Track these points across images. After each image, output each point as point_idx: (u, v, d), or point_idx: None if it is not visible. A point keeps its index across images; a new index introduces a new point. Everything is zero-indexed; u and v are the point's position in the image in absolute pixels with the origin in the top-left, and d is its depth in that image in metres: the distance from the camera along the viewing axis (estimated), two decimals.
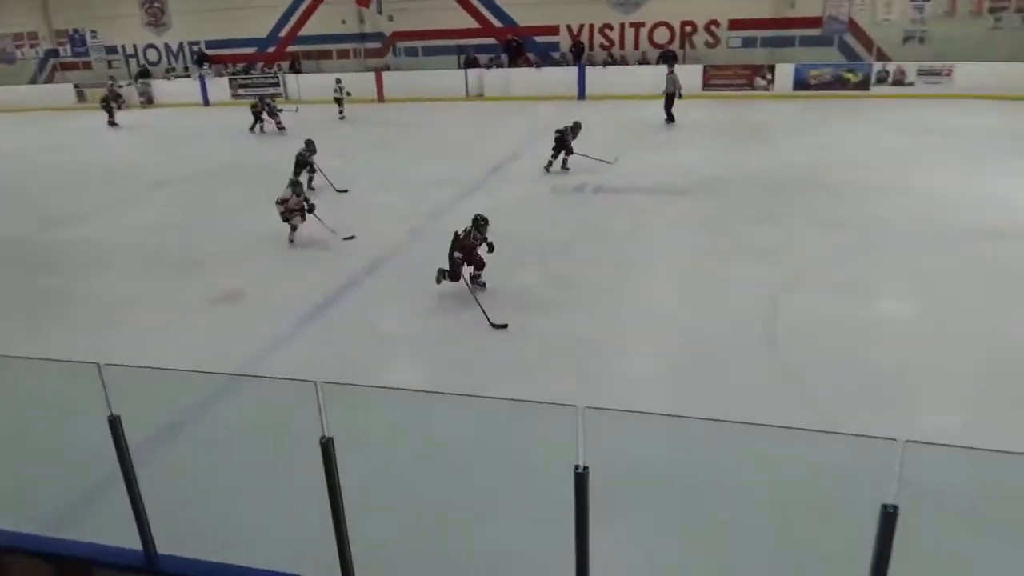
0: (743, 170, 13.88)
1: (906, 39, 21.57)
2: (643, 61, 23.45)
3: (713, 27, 22.87)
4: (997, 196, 11.68)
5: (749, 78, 21.46)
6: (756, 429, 3.01)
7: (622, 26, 23.78)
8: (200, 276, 9.86)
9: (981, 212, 10.90)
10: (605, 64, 23.49)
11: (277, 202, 10.69)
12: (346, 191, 13.60)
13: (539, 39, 24.77)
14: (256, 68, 28.12)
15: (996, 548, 4.23)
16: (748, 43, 22.56)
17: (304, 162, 13.47)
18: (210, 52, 28.76)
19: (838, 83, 20.87)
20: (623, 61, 23.69)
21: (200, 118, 24.78)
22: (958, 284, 8.67)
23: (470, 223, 8.80)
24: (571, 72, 23.26)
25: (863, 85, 20.60)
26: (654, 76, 22.22)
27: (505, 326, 7.86)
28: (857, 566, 2.89)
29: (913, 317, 8.15)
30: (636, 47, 23.83)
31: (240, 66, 28.38)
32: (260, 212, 11.52)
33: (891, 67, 20.49)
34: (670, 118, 18.44)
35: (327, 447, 3.20)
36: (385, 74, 25.19)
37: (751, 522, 4.27)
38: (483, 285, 8.84)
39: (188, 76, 28.17)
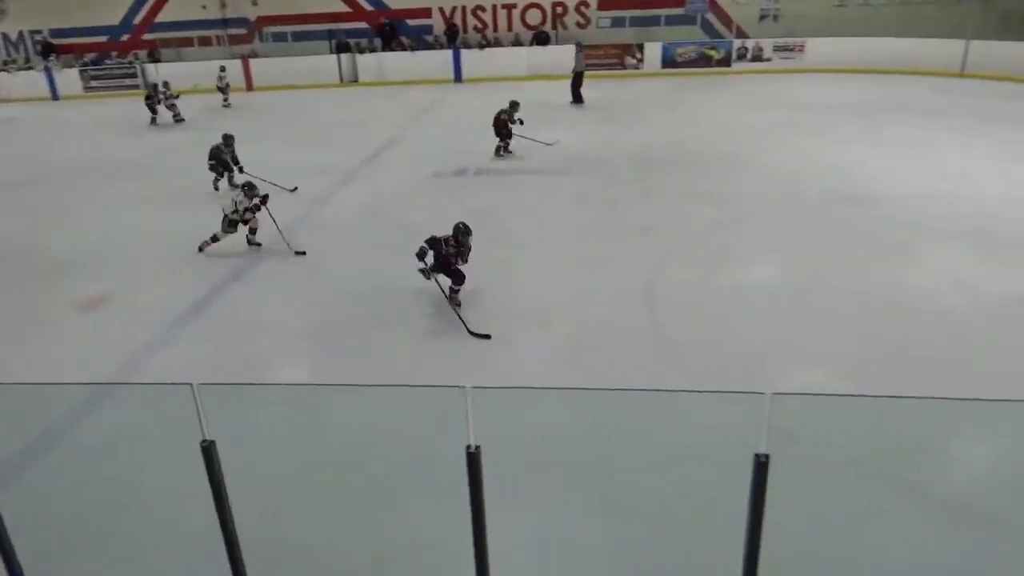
0: (619, 148, 14.28)
1: (762, 17, 22.77)
2: (517, 43, 23.62)
3: (583, 8, 23.31)
4: (852, 165, 12.57)
5: (620, 57, 22.04)
6: (638, 394, 3.13)
7: (494, 8, 23.83)
8: (64, 282, 9.18)
9: (838, 180, 11.71)
10: (481, 47, 23.49)
11: (230, 212, 9.50)
12: (295, 189, 12.28)
13: (412, 23, 24.47)
14: (111, 58, 26.29)
15: (860, 485, 4.59)
16: (617, 23, 23.15)
17: (221, 159, 12.30)
18: (56, 42, 26.64)
19: (702, 60, 21.78)
20: (497, 43, 23.78)
21: (49, 112, 22.96)
22: (819, 250, 9.30)
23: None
24: (446, 55, 23.12)
25: (725, 62, 21.60)
26: (528, 57, 22.49)
27: (488, 336, 7.29)
28: (737, 514, 3.07)
29: (780, 284, 8.66)
30: (510, 29, 23.96)
31: (91, 56, 26.45)
32: (128, 211, 10.84)
33: (750, 44, 21.58)
34: (577, 99, 18.55)
35: (208, 451, 3.07)
36: (253, 61, 24.16)
37: (638, 483, 4.44)
38: (459, 303, 7.86)
39: (31, 68, 25.99)
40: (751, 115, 16.68)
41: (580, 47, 18.86)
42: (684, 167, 12.90)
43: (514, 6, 23.69)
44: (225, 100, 21.02)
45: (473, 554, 3.17)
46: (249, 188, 9.68)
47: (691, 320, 7.57)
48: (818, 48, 20.91)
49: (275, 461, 4.81)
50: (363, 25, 24.69)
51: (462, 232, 7.81)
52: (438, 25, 24.34)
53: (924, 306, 7.72)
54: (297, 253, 9.63)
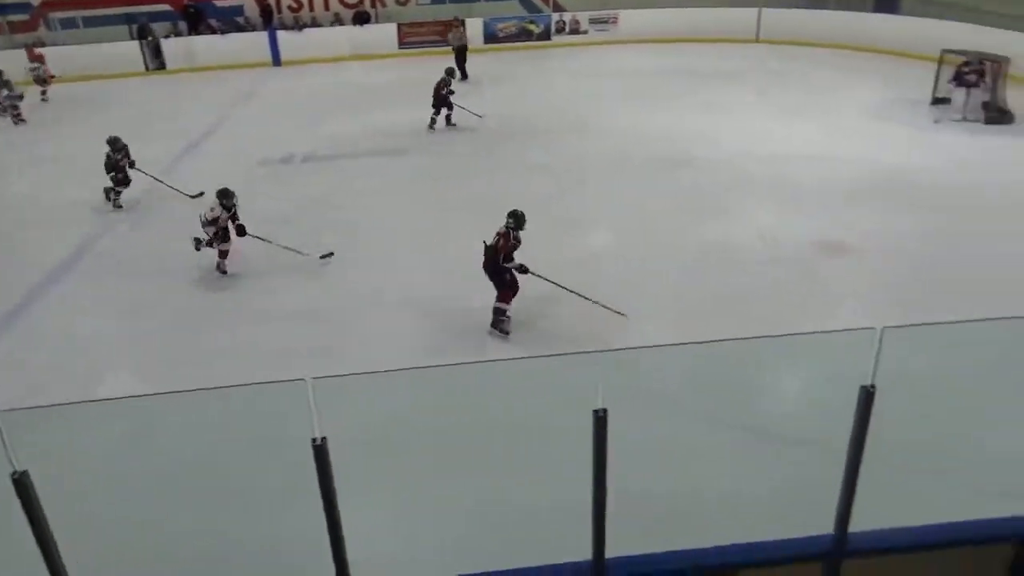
0: (448, 124, 14.29)
1: None
2: (337, 22, 22.88)
3: None
4: (670, 128, 13.36)
5: (442, 34, 21.93)
6: (475, 367, 3.20)
7: None
8: None
9: (659, 144, 12.41)
10: (301, 27, 22.55)
11: (204, 223, 8.28)
12: (201, 194, 10.69)
13: (220, 4, 22.99)
14: None
15: (688, 425, 4.97)
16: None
17: (116, 165, 10.62)
18: None
19: (524, 35, 22.16)
20: (315, 24, 22.92)
21: None
22: (647, 210, 9.86)
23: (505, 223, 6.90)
24: (261, 38, 21.98)
25: (545, 35, 22.12)
26: (350, 37, 21.87)
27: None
28: (580, 466, 3.22)
29: (616, 246, 9.12)
30: (327, 8, 23.13)
31: None
32: None
33: (567, 17, 22.20)
34: (463, 75, 18.22)
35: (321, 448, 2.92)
36: (43, 51, 21.77)
37: (482, 452, 4.54)
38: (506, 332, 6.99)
39: None
40: (575, 86, 17.24)
41: (458, 21, 18.95)
42: (517, 139, 13.17)
43: None
44: (44, 94, 18.64)
45: (329, 544, 3.14)
46: (225, 196, 8.38)
47: (530, 287, 7.78)
48: (631, 19, 21.86)
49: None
50: (165, 7, 22.92)
51: (521, 218, 7.00)
52: (250, 6, 23.04)
53: (738, 257, 8.42)
54: (323, 257, 8.67)
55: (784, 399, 5.63)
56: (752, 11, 20.94)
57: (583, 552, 3.42)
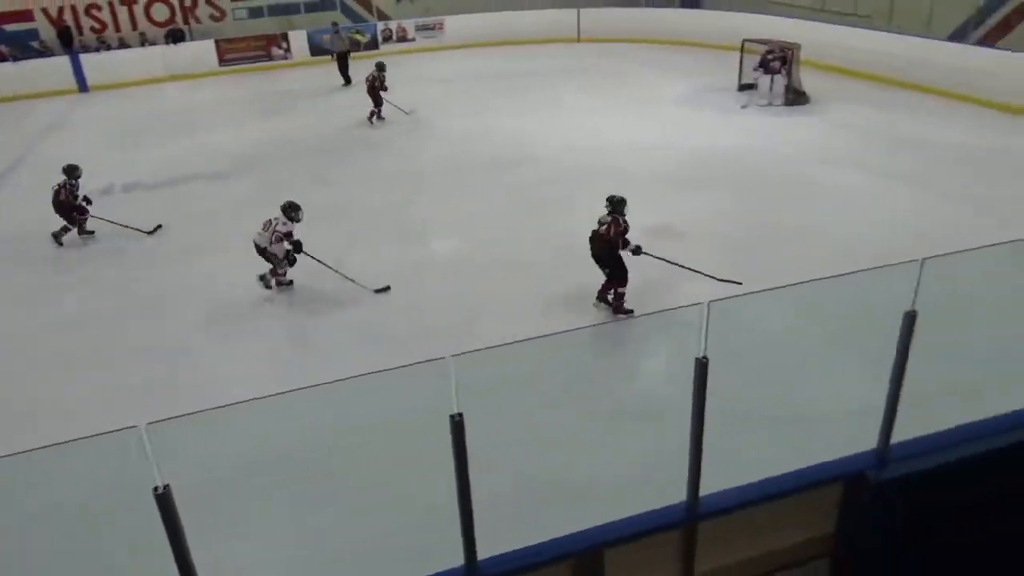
0: (283, 141, 13.84)
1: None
2: (148, 42, 21.49)
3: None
4: (504, 129, 13.63)
5: (266, 49, 21.19)
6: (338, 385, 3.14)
7: (111, 5, 21.34)
8: None
9: (495, 145, 12.63)
10: (107, 47, 20.96)
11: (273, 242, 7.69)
12: (158, 228, 10.01)
13: (9, 28, 20.97)
14: None
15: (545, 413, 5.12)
16: (255, 13, 22.12)
17: (71, 201, 9.61)
18: None
19: (352, 45, 21.79)
20: (124, 44, 21.42)
21: None
22: (491, 211, 10.02)
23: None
24: (62, 63, 20.26)
25: (373, 45, 21.88)
26: (164, 57, 20.65)
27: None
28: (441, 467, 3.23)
29: (462, 249, 9.21)
30: (134, 28, 21.67)
31: None
32: None
33: (393, 25, 22.10)
34: (347, 80, 18.41)
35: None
36: None
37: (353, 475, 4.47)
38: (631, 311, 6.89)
39: None
40: (410, 93, 17.15)
41: (335, 28, 18.93)
42: (355, 151, 12.96)
43: (135, 2, 21.45)
44: None
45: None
46: (292, 210, 7.92)
47: (394, 294, 7.74)
48: (456, 25, 22.11)
49: None
50: None
51: (619, 202, 7.11)
52: (45, 28, 21.17)
53: (579, 250, 8.74)
54: (378, 291, 7.99)
55: (631, 378, 5.93)
56: (572, 12, 21.79)
57: (455, 558, 3.44)
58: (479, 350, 3.24)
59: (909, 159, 11.06)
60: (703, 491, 3.77)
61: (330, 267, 8.13)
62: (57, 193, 9.58)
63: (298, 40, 21.33)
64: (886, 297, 3.96)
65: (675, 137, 12.73)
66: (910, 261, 3.59)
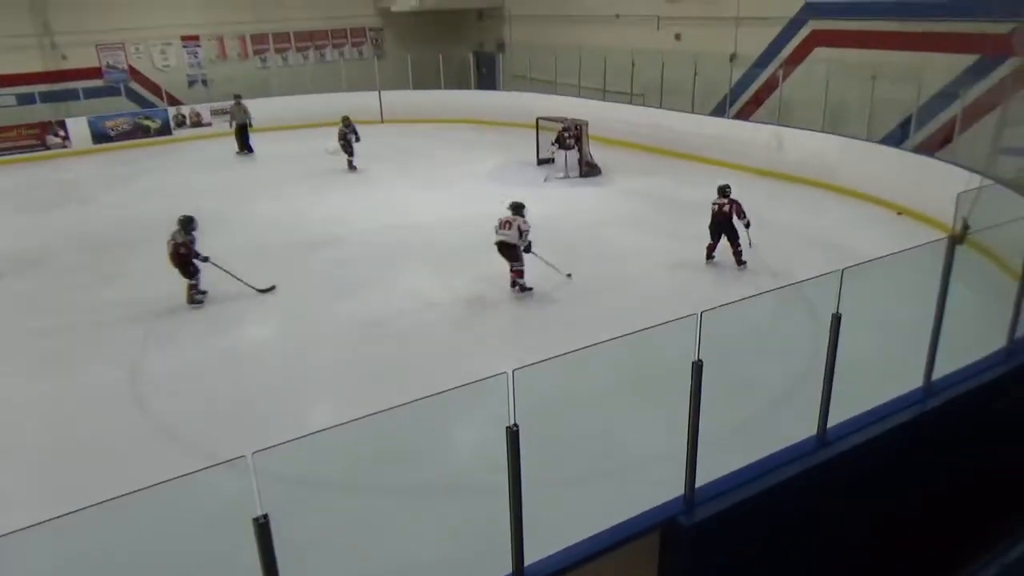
0: (61, 235, 12.68)
1: (191, 83, 22.66)
2: None
3: None
4: (310, 211, 13.41)
5: (39, 137, 19.52)
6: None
7: None
8: None
9: (300, 227, 12.38)
10: None
11: None
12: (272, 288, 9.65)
13: None
14: None
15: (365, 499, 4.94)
16: (26, 100, 20.41)
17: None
18: None
19: (140, 131, 20.67)
20: None
21: None
22: (301, 294, 9.71)
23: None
24: None
25: (165, 130, 20.89)
26: None
27: None
28: None
29: (279, 332, 8.84)
30: None
31: None
32: None
33: (185, 110, 21.26)
34: (248, 149, 18.74)
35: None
36: None
37: None
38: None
39: None
40: (205, 179, 16.49)
41: (237, 99, 18.97)
42: (147, 242, 12.08)
43: None
44: None
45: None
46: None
47: (193, 397, 7.20)
48: (254, 109, 21.47)
49: None
50: None
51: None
52: None
53: (398, 324, 8.69)
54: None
55: (448, 452, 5.90)
56: (373, 94, 22.19)
57: None
58: (280, 444, 3.07)
59: (685, 219, 12.24)
60: (528, 559, 3.78)
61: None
62: (176, 248, 9.27)
63: (78, 127, 19.88)
64: (674, 349, 4.27)
65: (482, 210, 13.14)
66: (689, 315, 3.91)
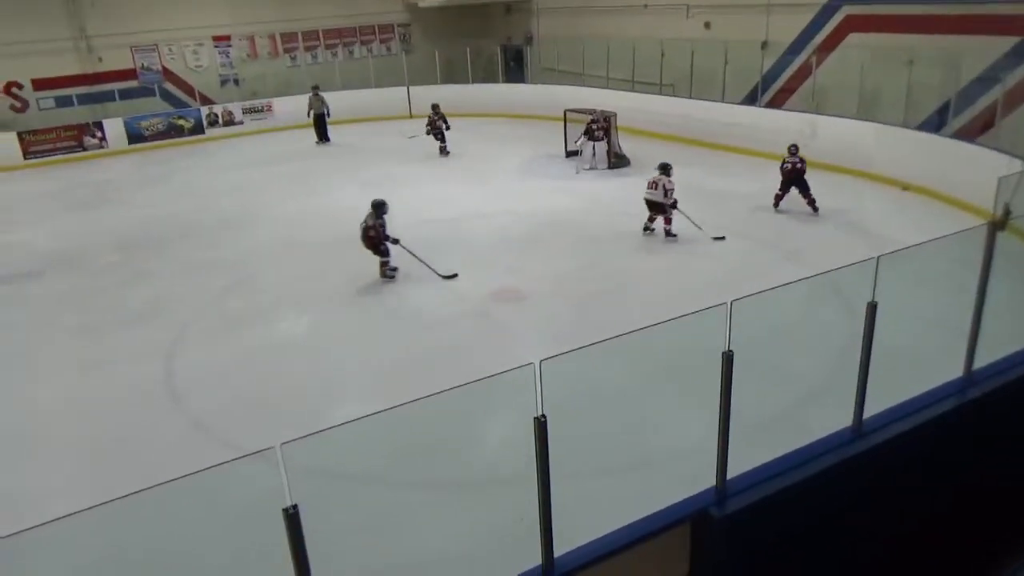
0: (100, 235, 12.94)
1: (223, 82, 22.94)
2: None
3: (15, 89, 20.45)
4: (344, 207, 13.44)
5: (77, 138, 19.95)
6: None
7: None
8: None
9: (335, 223, 12.42)
10: None
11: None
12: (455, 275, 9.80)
13: None
14: None
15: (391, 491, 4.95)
16: (64, 102, 20.87)
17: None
18: None
19: (174, 131, 21.00)
20: None
21: None
22: (329, 292, 9.79)
23: None
24: None
25: (198, 129, 21.20)
26: None
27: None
28: None
29: (304, 331, 8.92)
30: None
31: None
32: None
33: (218, 109, 21.54)
34: (325, 138, 19.40)
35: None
36: None
37: None
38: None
39: None
40: (238, 176, 16.70)
41: (315, 90, 19.43)
42: (181, 240, 12.30)
43: None
44: None
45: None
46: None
47: (224, 389, 7.30)
48: (284, 107, 21.90)
49: None
50: None
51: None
52: None
53: (430, 318, 8.72)
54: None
55: (476, 446, 5.89)
56: (402, 89, 22.27)
57: None
58: (311, 434, 3.09)
59: (718, 209, 12.08)
60: (557, 551, 3.76)
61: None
62: (367, 230, 9.76)
63: (114, 128, 20.27)
64: (707, 338, 4.21)
65: (514, 203, 13.15)
66: (719, 304, 3.85)
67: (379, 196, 10.14)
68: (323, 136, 19.58)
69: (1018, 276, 7.87)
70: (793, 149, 11.53)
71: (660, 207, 10.72)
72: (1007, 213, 6.97)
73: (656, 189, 10.70)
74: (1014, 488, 5.58)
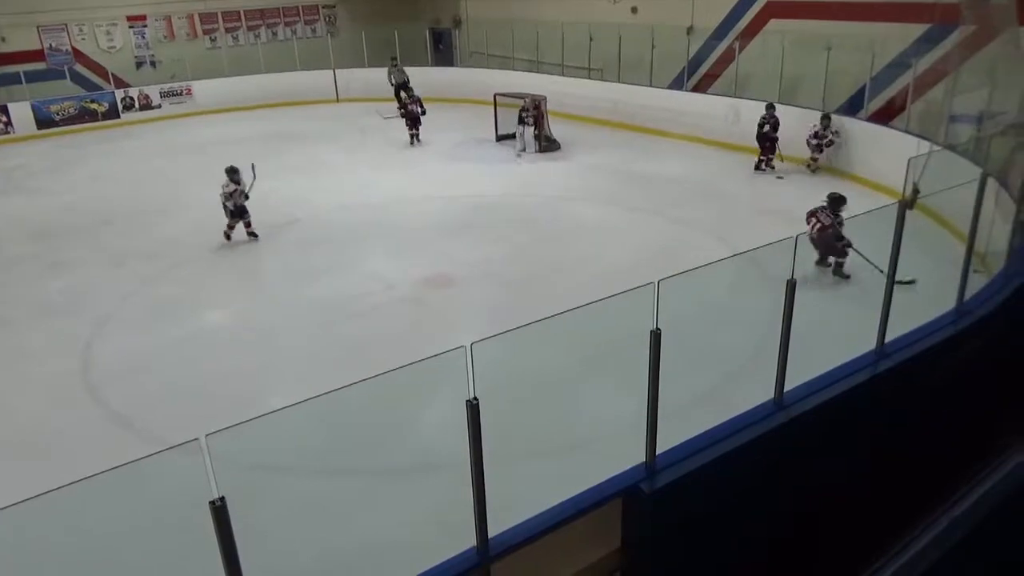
0: (12, 223, 12.27)
1: (139, 64, 21.97)
2: None
3: None
4: (266, 194, 13.09)
5: None
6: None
7: None
8: None
9: (258, 210, 12.09)
10: None
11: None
12: None
13: None
14: None
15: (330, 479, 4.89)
16: None
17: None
18: None
19: (87, 115, 20.02)
20: None
21: None
22: (258, 279, 9.56)
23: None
24: None
25: (113, 113, 20.25)
26: None
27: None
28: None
29: (231, 322, 8.68)
30: None
31: None
32: None
33: (133, 92, 20.62)
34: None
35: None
36: None
37: None
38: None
39: None
40: (156, 163, 16.08)
41: (393, 62, 19.38)
42: (99, 228, 11.78)
43: None
44: None
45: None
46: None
47: (146, 384, 7.05)
48: (205, 90, 21.13)
49: None
50: None
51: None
52: None
53: (357, 306, 8.61)
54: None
55: (407, 432, 5.88)
56: (328, 73, 21.79)
57: None
58: (238, 424, 3.01)
59: (644, 191, 12.29)
60: (491, 532, 3.79)
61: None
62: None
63: (21, 112, 19.20)
64: (635, 317, 4.29)
65: (443, 188, 13.07)
66: (647, 284, 3.93)
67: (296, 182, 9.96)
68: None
69: (929, 252, 8.29)
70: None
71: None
72: (916, 192, 7.31)
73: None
74: (926, 448, 5.90)
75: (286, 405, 3.23)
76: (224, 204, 10.58)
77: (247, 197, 10.64)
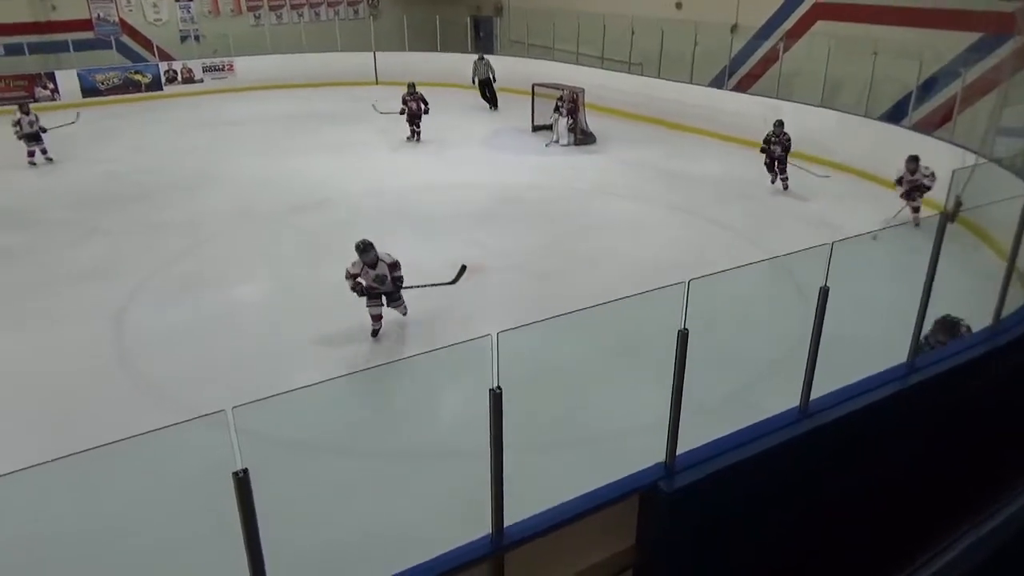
0: (51, 191, 12.53)
1: (183, 38, 22.25)
2: None
3: None
4: (299, 173, 13.23)
5: (28, 89, 19.19)
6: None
7: None
8: None
9: (290, 190, 12.22)
10: None
11: None
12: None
13: None
14: None
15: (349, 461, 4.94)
16: (14, 50, 20.02)
17: None
18: None
19: (131, 86, 20.36)
20: None
21: None
22: (285, 257, 9.65)
23: None
24: None
25: (155, 86, 20.57)
26: None
27: None
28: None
29: (258, 296, 8.78)
30: None
31: None
32: None
33: (177, 66, 20.91)
34: (494, 104, 18.89)
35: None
36: None
37: None
38: None
39: None
40: (195, 136, 16.29)
41: (481, 57, 19.22)
42: (135, 199, 11.98)
43: None
44: None
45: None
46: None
47: (172, 352, 7.16)
48: (246, 66, 21.36)
49: None
50: None
51: None
52: None
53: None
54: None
55: (429, 417, 5.90)
56: (368, 55, 21.86)
57: None
58: (264, 398, 3.05)
59: (678, 189, 12.18)
60: (507, 521, 3.80)
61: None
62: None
63: (67, 80, 19.55)
64: (662, 316, 4.26)
65: (476, 176, 13.08)
66: (677, 283, 3.89)
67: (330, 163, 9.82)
68: (492, 102, 19.01)
69: (968, 267, 8.12)
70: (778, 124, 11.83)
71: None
72: (958, 205, 7.15)
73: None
74: (952, 469, 5.79)
75: (313, 383, 3.25)
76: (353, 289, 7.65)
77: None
